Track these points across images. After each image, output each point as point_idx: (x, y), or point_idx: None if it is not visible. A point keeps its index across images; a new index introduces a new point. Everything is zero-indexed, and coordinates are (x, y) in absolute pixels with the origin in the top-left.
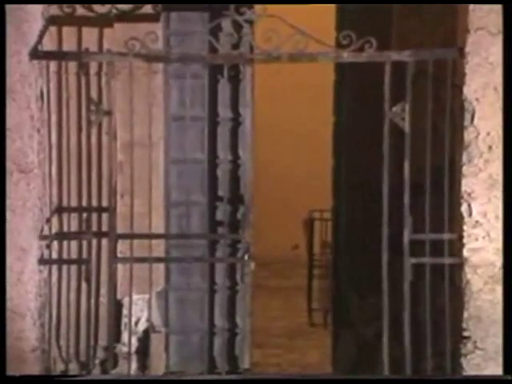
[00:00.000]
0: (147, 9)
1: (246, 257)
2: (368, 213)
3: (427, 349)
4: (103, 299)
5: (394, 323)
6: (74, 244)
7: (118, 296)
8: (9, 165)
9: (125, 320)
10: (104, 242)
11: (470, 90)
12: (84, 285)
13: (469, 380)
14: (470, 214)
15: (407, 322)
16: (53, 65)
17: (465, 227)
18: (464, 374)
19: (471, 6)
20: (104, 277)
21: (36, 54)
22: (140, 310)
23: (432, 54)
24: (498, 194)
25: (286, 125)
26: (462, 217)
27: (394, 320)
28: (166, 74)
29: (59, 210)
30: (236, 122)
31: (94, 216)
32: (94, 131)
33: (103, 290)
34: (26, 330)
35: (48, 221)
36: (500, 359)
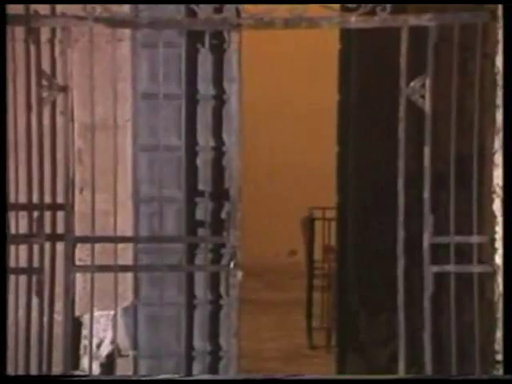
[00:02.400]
0: None
1: (232, 264)
2: (380, 211)
3: (452, 375)
4: (58, 317)
5: (412, 345)
6: (23, 249)
7: (77, 313)
8: None
9: (84, 342)
10: (59, 246)
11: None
12: (35, 299)
13: (469, 380)
14: None
15: (428, 343)
16: None
17: (497, 228)
18: None
19: None
20: (59, 289)
21: None
22: (103, 330)
23: (458, 18)
24: None
25: (280, 104)
26: (493, 216)
27: (412, 341)
28: (134, 42)
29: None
30: (220, 100)
31: (48, 215)
32: (46, 111)
33: (58, 306)
34: None
35: None
36: None
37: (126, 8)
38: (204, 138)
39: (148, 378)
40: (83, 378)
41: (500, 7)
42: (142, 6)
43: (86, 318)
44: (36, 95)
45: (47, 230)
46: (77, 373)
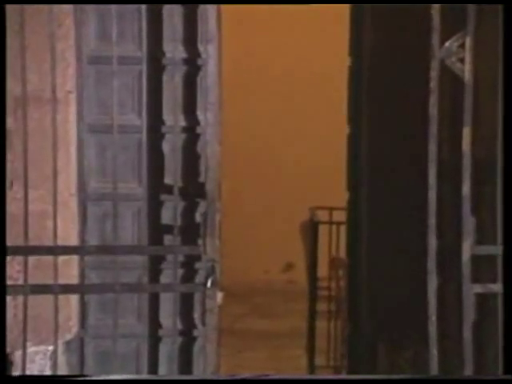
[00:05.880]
0: None
1: (210, 283)
2: (404, 212)
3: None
4: None
5: None
6: None
7: (7, 349)
8: None
9: None
10: None
11: None
12: None
13: (469, 380)
14: None
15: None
16: None
17: None
18: None
19: None
20: None
21: None
22: (39, 371)
23: None
24: None
25: (273, 71)
26: None
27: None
28: None
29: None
30: (193, 66)
31: None
32: None
33: None
34: None
35: None
36: None
37: None
38: (172, 116)
39: (148, 378)
40: (83, 379)
41: None
42: None
43: (17, 356)
44: None
45: None
46: None
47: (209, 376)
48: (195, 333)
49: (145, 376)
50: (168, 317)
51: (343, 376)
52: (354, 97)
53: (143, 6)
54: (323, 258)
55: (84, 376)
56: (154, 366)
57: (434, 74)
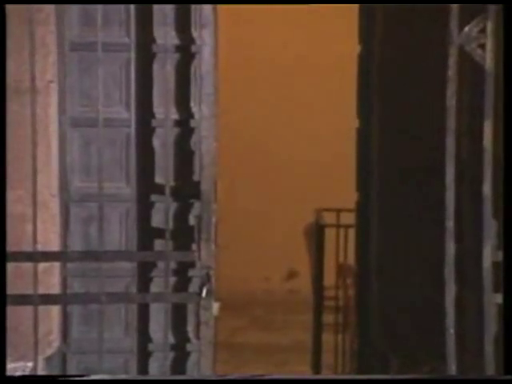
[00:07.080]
0: None
1: (205, 292)
2: (417, 214)
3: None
4: None
5: None
6: None
7: None
8: None
9: None
10: None
11: None
12: None
13: (469, 380)
14: None
15: None
16: None
17: None
18: None
19: None
20: None
21: None
22: None
23: None
24: None
25: (275, 62)
26: None
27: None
28: None
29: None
30: (186, 53)
31: None
32: None
33: None
34: None
35: None
36: None
37: None
38: (163, 109)
39: (149, 378)
40: (83, 379)
41: None
42: None
43: None
44: None
45: None
46: None
47: (206, 376)
48: (189, 347)
49: (139, 376)
50: (159, 330)
51: (345, 376)
52: (364, 87)
53: None
54: (330, 265)
55: (85, 376)
56: None
57: (452, 61)
